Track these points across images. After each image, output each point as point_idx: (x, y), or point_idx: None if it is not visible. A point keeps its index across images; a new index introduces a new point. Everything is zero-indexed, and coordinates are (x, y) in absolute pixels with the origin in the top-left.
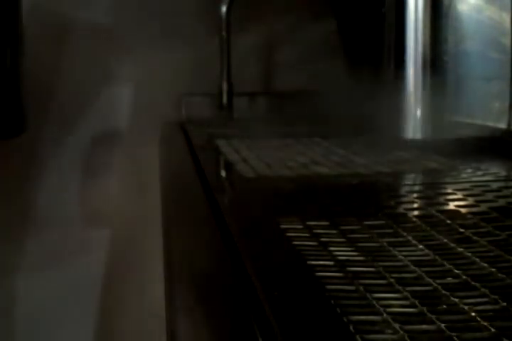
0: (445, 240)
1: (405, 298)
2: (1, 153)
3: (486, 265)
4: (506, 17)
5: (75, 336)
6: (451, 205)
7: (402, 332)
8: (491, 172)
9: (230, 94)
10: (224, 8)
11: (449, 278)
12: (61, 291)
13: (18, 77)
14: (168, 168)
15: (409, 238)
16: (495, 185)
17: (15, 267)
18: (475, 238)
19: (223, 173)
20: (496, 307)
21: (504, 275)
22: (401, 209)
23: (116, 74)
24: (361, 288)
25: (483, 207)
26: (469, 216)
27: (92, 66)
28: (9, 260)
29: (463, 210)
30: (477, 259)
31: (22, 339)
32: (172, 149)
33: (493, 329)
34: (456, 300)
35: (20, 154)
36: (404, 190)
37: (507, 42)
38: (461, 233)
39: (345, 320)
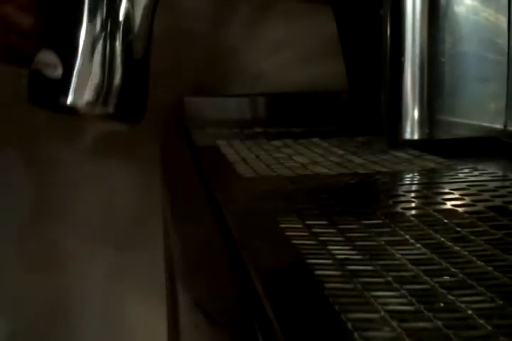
0: (442, 239)
1: (403, 296)
2: None
3: (482, 264)
4: (503, 18)
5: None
6: (448, 205)
7: (399, 330)
8: (487, 172)
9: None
10: None
11: (446, 277)
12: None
13: (147, 65)
14: (168, 168)
15: (407, 237)
16: (491, 185)
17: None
18: (471, 237)
19: (223, 173)
20: (493, 305)
21: (500, 274)
22: (398, 209)
23: None
24: (359, 286)
25: (479, 207)
26: (466, 215)
27: None
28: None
29: (460, 209)
30: (474, 258)
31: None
32: (172, 149)
33: (489, 327)
34: (453, 298)
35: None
36: (401, 189)
37: (503, 43)
38: (458, 232)
39: (343, 317)
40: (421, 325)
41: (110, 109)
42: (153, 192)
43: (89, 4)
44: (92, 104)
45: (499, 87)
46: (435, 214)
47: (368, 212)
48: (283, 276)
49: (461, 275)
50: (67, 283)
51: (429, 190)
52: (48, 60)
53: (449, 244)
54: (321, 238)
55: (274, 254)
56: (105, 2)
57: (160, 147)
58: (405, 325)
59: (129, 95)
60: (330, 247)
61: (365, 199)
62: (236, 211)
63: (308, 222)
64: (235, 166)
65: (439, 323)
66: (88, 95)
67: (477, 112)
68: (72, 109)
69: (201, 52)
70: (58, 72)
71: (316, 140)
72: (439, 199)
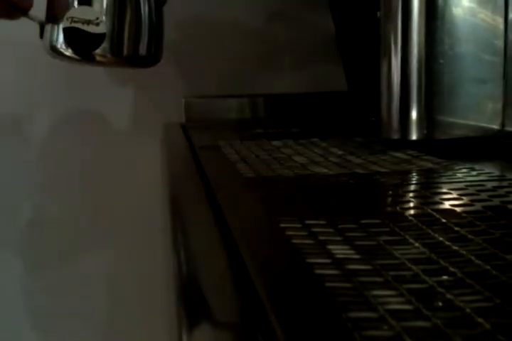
0: (440, 238)
1: (402, 295)
2: None
3: (481, 263)
4: (499, 20)
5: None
6: (447, 204)
7: (398, 329)
8: (485, 172)
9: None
10: None
11: (445, 276)
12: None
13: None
14: (169, 168)
15: (406, 236)
16: (489, 185)
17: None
18: (470, 236)
19: (223, 173)
20: (491, 304)
21: (499, 273)
22: (397, 209)
23: (117, 75)
24: (359, 285)
25: (477, 206)
26: (464, 215)
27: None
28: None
29: (458, 209)
30: (472, 257)
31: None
32: (173, 149)
33: (488, 326)
34: (452, 297)
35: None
36: (400, 189)
37: (500, 44)
38: (457, 231)
39: (343, 316)
40: (420, 323)
41: (123, 57)
42: (153, 192)
43: None
44: (107, 52)
45: (496, 87)
46: (433, 213)
47: (367, 211)
48: (283, 276)
49: (459, 274)
50: (68, 282)
51: (428, 190)
52: (90, 17)
53: (448, 243)
54: (321, 237)
55: (274, 254)
56: None
57: (160, 147)
58: (404, 323)
59: (141, 44)
60: (329, 247)
61: (363, 199)
62: (236, 210)
63: (307, 222)
64: (235, 166)
65: (438, 322)
66: (104, 46)
67: (475, 113)
68: (91, 58)
69: (201, 53)
70: (101, 26)
71: (315, 140)
72: (437, 199)
